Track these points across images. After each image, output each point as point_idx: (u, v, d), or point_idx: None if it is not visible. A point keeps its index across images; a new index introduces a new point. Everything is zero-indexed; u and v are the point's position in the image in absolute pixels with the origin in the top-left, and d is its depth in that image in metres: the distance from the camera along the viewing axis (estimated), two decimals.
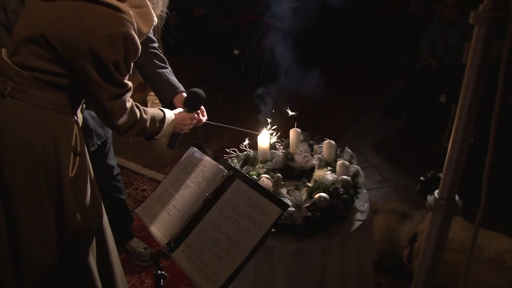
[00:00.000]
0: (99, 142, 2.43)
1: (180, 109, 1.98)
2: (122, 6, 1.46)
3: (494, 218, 2.90)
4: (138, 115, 1.67)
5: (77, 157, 1.61)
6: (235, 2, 5.53)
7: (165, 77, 2.14)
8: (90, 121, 2.25)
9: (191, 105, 1.99)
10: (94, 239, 1.76)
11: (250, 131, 2.24)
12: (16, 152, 1.51)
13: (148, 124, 1.73)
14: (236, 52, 5.31)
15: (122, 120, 1.61)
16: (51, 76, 1.50)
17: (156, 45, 2.20)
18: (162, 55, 2.21)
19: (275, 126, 2.26)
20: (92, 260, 1.74)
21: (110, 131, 2.43)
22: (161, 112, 1.82)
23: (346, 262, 1.97)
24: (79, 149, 1.61)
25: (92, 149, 2.43)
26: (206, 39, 5.90)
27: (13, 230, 1.58)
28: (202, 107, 2.06)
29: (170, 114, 1.86)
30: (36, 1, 1.50)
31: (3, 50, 1.57)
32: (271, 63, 4.87)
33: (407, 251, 2.59)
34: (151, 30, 2.17)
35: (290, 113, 2.28)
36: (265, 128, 2.23)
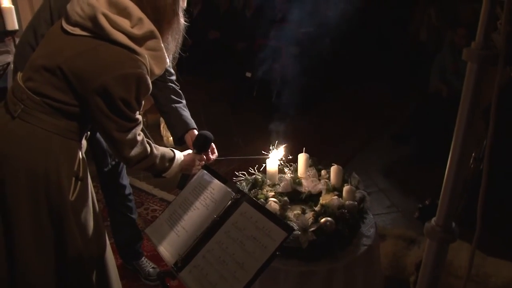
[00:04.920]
0: (113, 163, 2.50)
1: (189, 151, 2.03)
2: (138, 48, 1.52)
3: (504, 246, 2.89)
4: (149, 150, 1.72)
5: (79, 182, 1.65)
6: (249, 26, 5.65)
7: (178, 112, 2.19)
8: (104, 142, 2.32)
9: (199, 147, 2.04)
10: (96, 267, 1.79)
11: (258, 157, 2.29)
12: (18, 173, 1.55)
13: (158, 160, 1.78)
14: (248, 75, 5.40)
15: (133, 152, 1.65)
16: (62, 104, 1.55)
17: (173, 77, 2.25)
18: (178, 89, 2.26)
19: (284, 146, 2.30)
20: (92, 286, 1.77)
21: None
22: (172, 152, 1.87)
23: (352, 287, 1.99)
24: (81, 174, 1.65)
25: (106, 169, 2.50)
26: (220, 62, 6.02)
27: (12, 251, 1.61)
28: (212, 145, 2.10)
29: (179, 155, 1.91)
30: (59, 32, 1.57)
31: (19, 74, 1.64)
32: (283, 86, 4.95)
33: (414, 277, 2.59)
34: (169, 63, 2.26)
35: None
36: (273, 151, 2.27)
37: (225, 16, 6.59)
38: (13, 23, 3.42)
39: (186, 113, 2.22)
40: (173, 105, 2.20)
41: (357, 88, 5.99)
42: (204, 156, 2.06)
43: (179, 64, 4.88)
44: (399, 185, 3.98)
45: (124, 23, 1.50)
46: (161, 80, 2.21)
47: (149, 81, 1.58)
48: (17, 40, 3.48)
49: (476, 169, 3.39)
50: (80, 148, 1.68)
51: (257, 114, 5.14)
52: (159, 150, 1.80)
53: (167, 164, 1.84)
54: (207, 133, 2.06)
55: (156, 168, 1.81)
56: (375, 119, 5.33)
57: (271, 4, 6.05)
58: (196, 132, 2.14)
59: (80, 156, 1.67)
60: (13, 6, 3.44)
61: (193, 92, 4.93)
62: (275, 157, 2.27)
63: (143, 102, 1.61)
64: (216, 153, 2.15)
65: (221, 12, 6.70)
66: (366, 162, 4.34)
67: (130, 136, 1.61)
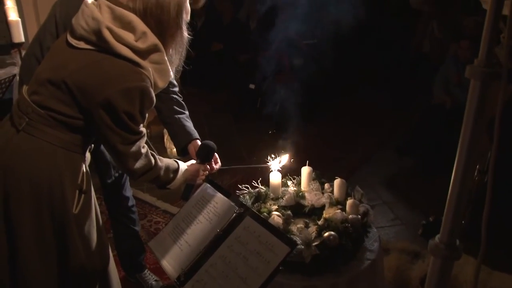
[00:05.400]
0: (116, 175, 2.50)
1: (192, 161, 2.04)
2: (142, 62, 1.54)
3: (510, 260, 2.87)
4: (153, 162, 1.73)
5: (82, 195, 1.66)
6: (252, 38, 5.68)
7: (181, 123, 2.19)
8: (107, 154, 2.32)
9: (203, 157, 2.04)
10: (99, 279, 1.79)
11: (260, 165, 2.28)
12: (22, 186, 1.56)
13: (162, 172, 1.79)
14: (252, 86, 5.41)
15: (137, 165, 1.66)
16: (66, 118, 1.56)
17: (176, 89, 2.27)
18: (181, 100, 2.27)
19: (286, 155, 2.29)
20: None
21: None
22: (175, 163, 1.88)
23: None
24: (84, 187, 1.66)
25: (109, 181, 2.50)
26: (223, 73, 6.03)
27: (16, 262, 1.62)
28: (216, 155, 2.10)
29: (183, 166, 1.92)
30: (64, 46, 1.58)
31: (24, 87, 1.66)
32: (286, 98, 4.96)
33: None
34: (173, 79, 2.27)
35: None
36: (275, 161, 2.27)
37: (229, 28, 6.62)
38: (19, 36, 3.46)
39: (189, 124, 2.23)
40: (176, 116, 2.21)
41: (359, 99, 5.99)
42: (208, 166, 2.06)
43: (182, 75, 4.91)
44: (403, 197, 3.96)
45: (128, 36, 1.51)
46: (164, 92, 2.21)
47: (153, 94, 1.59)
48: (23, 53, 3.51)
49: (480, 181, 3.38)
50: (84, 161, 1.69)
51: (260, 126, 5.15)
52: (163, 162, 1.80)
53: (171, 176, 1.84)
54: (210, 143, 2.06)
55: (160, 180, 1.82)
56: (378, 131, 5.32)
57: (275, 16, 6.08)
58: (199, 142, 2.14)
59: (84, 169, 1.68)
60: (19, 19, 3.47)
61: (197, 103, 4.95)
62: (276, 166, 2.26)
63: (146, 114, 1.62)
64: (220, 163, 2.15)
65: (225, 24, 6.73)
66: (370, 175, 4.33)
67: (134, 148, 1.62)
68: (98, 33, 1.49)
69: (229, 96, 5.93)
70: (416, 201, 3.88)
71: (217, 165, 2.13)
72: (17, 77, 2.84)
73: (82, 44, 1.54)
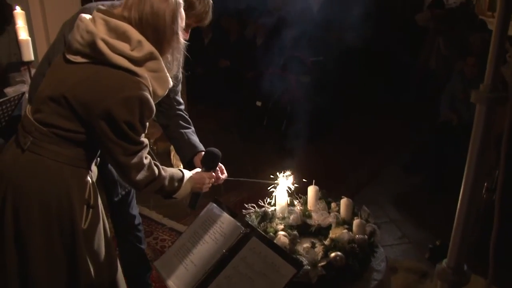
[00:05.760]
0: (123, 193, 2.50)
1: (198, 169, 2.03)
2: (139, 70, 1.55)
3: None
4: (157, 172, 1.72)
5: (90, 210, 1.67)
6: (259, 55, 5.71)
7: (186, 137, 2.21)
8: (115, 172, 2.33)
9: (208, 165, 2.03)
10: None
11: (267, 181, 2.28)
12: (31, 203, 1.59)
13: (167, 182, 1.78)
14: (259, 104, 5.43)
15: (140, 176, 1.66)
16: (69, 133, 1.58)
17: (182, 107, 2.29)
18: (187, 116, 2.28)
19: (292, 173, 2.29)
20: None
21: None
22: (180, 172, 1.87)
23: None
24: (92, 202, 1.68)
25: (116, 199, 2.50)
26: (230, 90, 6.07)
27: (26, 277, 1.64)
28: (221, 165, 2.10)
29: (188, 174, 1.91)
30: (62, 63, 1.61)
31: (28, 107, 1.69)
32: (293, 116, 4.97)
33: None
34: (179, 93, 2.29)
35: None
36: (281, 177, 2.27)
37: (235, 45, 6.67)
38: (29, 55, 3.50)
39: (195, 138, 2.24)
40: (181, 130, 2.22)
41: (366, 117, 5.98)
42: (214, 174, 2.05)
43: (189, 92, 4.94)
44: (410, 215, 3.93)
45: (124, 46, 1.53)
46: (170, 110, 2.24)
47: (152, 103, 1.59)
48: (32, 71, 3.55)
49: (488, 199, 3.35)
50: (91, 175, 1.71)
51: (267, 144, 5.15)
52: (167, 171, 1.79)
53: (176, 185, 1.83)
54: (215, 149, 2.05)
55: (165, 190, 1.81)
56: (385, 148, 5.31)
57: (281, 33, 6.13)
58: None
59: (91, 184, 1.69)
60: (30, 38, 3.52)
61: (203, 120, 4.97)
62: (283, 182, 2.26)
63: (147, 124, 1.62)
64: (226, 174, 2.14)
65: (232, 41, 6.79)
66: (377, 192, 4.30)
67: (136, 159, 1.62)
68: (93, 45, 1.51)
69: (236, 113, 5.95)
70: (423, 219, 3.85)
71: (223, 175, 2.12)
72: (26, 95, 2.87)
73: (79, 59, 1.56)
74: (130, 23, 1.55)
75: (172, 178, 1.81)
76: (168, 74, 1.65)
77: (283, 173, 2.28)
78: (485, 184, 3.23)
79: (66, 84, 1.55)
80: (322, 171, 4.44)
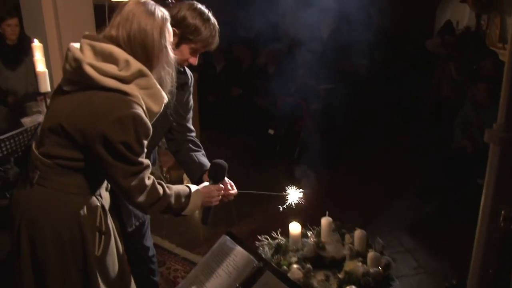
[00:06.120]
0: (137, 223, 2.50)
1: (206, 183, 2.00)
2: (128, 89, 1.56)
3: None
4: (161, 192, 1.70)
5: (103, 236, 1.69)
6: (271, 83, 5.77)
7: (196, 159, 2.22)
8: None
9: (215, 176, 2.01)
10: None
11: (279, 193, 2.26)
12: (45, 235, 1.62)
13: (173, 200, 1.75)
14: (271, 132, 5.45)
15: (142, 197, 1.64)
16: (72, 162, 1.60)
17: (193, 134, 2.31)
18: (198, 142, 2.30)
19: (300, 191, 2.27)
20: None
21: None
22: (187, 188, 1.85)
23: None
24: (103, 228, 1.69)
25: (130, 229, 2.50)
26: (242, 118, 6.10)
27: None
28: (230, 181, 2.08)
29: (195, 189, 1.88)
30: (58, 96, 1.65)
31: (33, 143, 1.72)
32: (305, 143, 4.97)
33: None
34: (190, 120, 2.31)
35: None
36: (291, 190, 2.25)
37: (248, 73, 6.75)
38: (46, 86, 3.56)
39: (204, 158, 2.24)
40: (191, 153, 2.24)
41: (378, 144, 5.96)
42: (222, 186, 2.02)
43: (202, 120, 4.97)
44: (425, 244, 3.87)
45: (111, 68, 1.55)
46: (181, 137, 2.26)
47: (146, 120, 1.59)
48: (48, 101, 3.62)
49: (506, 228, 3.29)
50: (100, 201, 1.72)
51: (279, 171, 5.14)
52: (172, 189, 1.77)
53: (184, 201, 1.81)
54: (220, 161, 2.03)
55: (173, 208, 1.78)
56: (398, 175, 5.26)
57: (293, 61, 6.19)
58: None
59: (101, 210, 1.71)
60: (47, 70, 3.60)
61: (215, 148, 4.99)
62: (295, 196, 2.23)
63: (145, 142, 1.61)
64: (235, 190, 2.11)
65: (244, 69, 6.87)
66: (390, 221, 4.25)
67: (136, 181, 1.61)
68: (81, 71, 1.53)
69: (248, 141, 5.97)
70: (439, 248, 3.78)
71: (233, 191, 2.10)
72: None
73: (71, 87, 1.59)
74: (118, 41, 1.57)
75: (178, 195, 1.79)
76: (161, 89, 1.65)
77: (293, 187, 2.26)
78: (502, 212, 3.18)
79: (62, 113, 1.58)
80: (335, 198, 4.42)
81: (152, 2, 1.64)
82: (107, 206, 1.79)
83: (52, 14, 4.39)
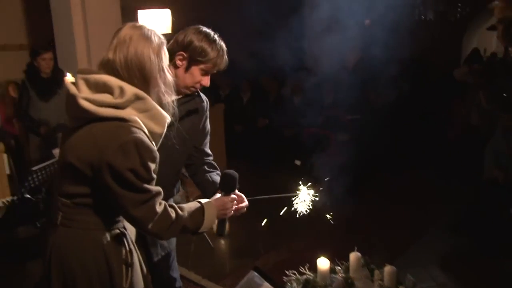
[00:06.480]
0: (162, 253, 2.49)
1: (217, 195, 1.98)
2: (125, 114, 1.56)
3: None
4: (174, 215, 1.68)
5: (129, 268, 1.69)
6: (297, 114, 5.79)
7: (209, 178, 2.25)
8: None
9: (226, 188, 1.99)
10: None
11: (289, 195, 2.22)
12: (74, 269, 1.63)
13: (187, 221, 1.74)
14: (297, 162, 5.43)
15: (155, 224, 1.62)
16: (88, 198, 1.62)
17: (211, 158, 2.35)
18: (214, 164, 2.33)
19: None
20: None
21: (174, 243, 2.49)
22: (199, 204, 1.82)
23: None
24: (130, 260, 1.69)
25: (155, 259, 2.49)
26: (269, 149, 6.11)
27: None
28: (241, 194, 2.06)
29: (208, 203, 1.85)
30: (65, 135, 1.68)
31: (54, 185, 1.77)
32: (332, 174, 4.92)
33: None
34: (207, 144, 2.33)
35: None
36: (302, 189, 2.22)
37: (274, 103, 6.79)
38: None
39: (217, 177, 2.24)
40: (206, 174, 2.27)
41: (407, 175, 5.85)
42: (235, 196, 2.00)
43: (228, 150, 4.99)
44: (459, 279, 3.74)
45: (107, 97, 1.56)
46: (199, 161, 2.31)
47: (149, 143, 1.58)
48: None
49: None
50: (125, 233, 1.73)
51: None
52: (185, 209, 1.75)
53: (199, 218, 1.78)
54: (231, 171, 2.02)
55: (189, 228, 1.76)
56: (428, 207, 5.14)
57: (319, 92, 6.21)
58: None
59: (126, 242, 1.72)
60: None
61: (241, 178, 4.99)
62: (305, 196, 2.19)
63: (152, 167, 1.59)
64: (246, 202, 2.08)
65: (270, 100, 6.93)
66: (421, 255, 4.13)
67: (146, 210, 1.59)
68: (77, 106, 1.55)
69: (274, 171, 5.95)
70: (473, 284, 3.65)
71: (244, 203, 2.07)
72: None
73: (74, 124, 1.62)
74: (114, 65, 1.58)
75: (192, 214, 1.77)
76: (161, 110, 1.66)
77: (305, 185, 2.22)
78: None
79: (69, 151, 1.60)
80: (364, 231, 4.34)
81: (148, 27, 1.67)
82: (133, 237, 1.80)
83: (85, 49, 4.56)
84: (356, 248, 2.26)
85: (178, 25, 4.54)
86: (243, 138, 6.49)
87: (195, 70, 2.08)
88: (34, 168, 3.26)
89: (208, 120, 2.33)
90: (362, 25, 5.80)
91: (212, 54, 2.05)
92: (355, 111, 5.59)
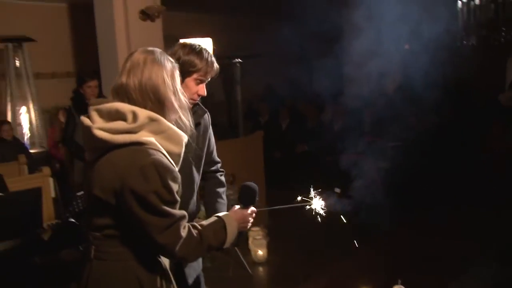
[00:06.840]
0: (194, 275, 2.47)
1: (236, 207, 1.96)
2: (139, 137, 1.55)
3: None
4: (198, 236, 1.67)
5: None
6: (336, 140, 5.74)
7: (213, 204, 2.35)
8: None
9: (246, 200, 1.96)
10: None
11: (302, 204, 2.16)
12: None
13: (211, 239, 1.72)
14: (337, 190, 5.34)
15: (180, 249, 1.60)
16: (118, 230, 1.61)
17: (219, 165, 2.48)
18: (222, 178, 2.46)
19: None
20: None
21: (201, 264, 2.46)
22: (219, 219, 1.80)
23: None
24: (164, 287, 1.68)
25: (190, 281, 2.47)
26: (307, 175, 6.05)
27: None
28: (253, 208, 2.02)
29: (228, 218, 1.83)
30: (87, 169, 1.68)
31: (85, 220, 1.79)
32: (372, 203, 4.82)
33: None
34: (214, 152, 2.41)
35: None
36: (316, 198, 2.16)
37: (313, 129, 6.77)
38: None
39: (220, 206, 2.33)
40: (212, 196, 2.39)
41: (450, 203, 5.65)
42: (254, 209, 1.96)
43: (267, 176, 4.98)
44: None
45: (121, 124, 1.56)
46: (209, 174, 2.42)
47: (169, 164, 1.57)
48: None
49: None
50: (159, 262, 1.71)
51: (346, 231, 5.00)
52: (207, 228, 1.73)
53: (222, 235, 1.76)
54: (251, 183, 1.99)
55: (213, 246, 1.74)
56: (473, 237, 4.92)
57: (359, 118, 6.15)
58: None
59: (161, 271, 1.70)
60: None
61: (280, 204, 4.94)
62: (318, 205, 2.12)
63: (175, 188, 1.57)
64: (254, 209, 2.02)
65: (309, 126, 6.91)
66: (467, 287, 3.95)
67: (171, 235, 1.57)
68: (93, 137, 1.56)
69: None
70: None
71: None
72: None
73: (92, 156, 1.63)
74: (127, 88, 1.59)
75: (215, 232, 1.75)
76: (177, 130, 1.65)
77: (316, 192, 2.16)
78: None
79: (91, 183, 1.60)
80: (404, 262, 4.19)
81: (160, 50, 1.69)
82: (167, 265, 1.78)
83: None
84: (399, 281, 2.18)
85: (219, 53, 4.62)
86: (282, 164, 6.46)
87: (190, 81, 2.16)
88: (79, 194, 3.34)
89: (210, 130, 2.43)
90: (403, 50, 5.74)
91: (201, 63, 2.14)
92: (397, 137, 5.49)
